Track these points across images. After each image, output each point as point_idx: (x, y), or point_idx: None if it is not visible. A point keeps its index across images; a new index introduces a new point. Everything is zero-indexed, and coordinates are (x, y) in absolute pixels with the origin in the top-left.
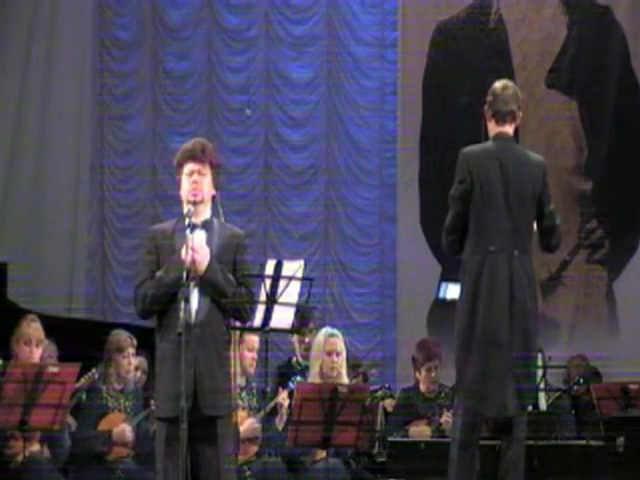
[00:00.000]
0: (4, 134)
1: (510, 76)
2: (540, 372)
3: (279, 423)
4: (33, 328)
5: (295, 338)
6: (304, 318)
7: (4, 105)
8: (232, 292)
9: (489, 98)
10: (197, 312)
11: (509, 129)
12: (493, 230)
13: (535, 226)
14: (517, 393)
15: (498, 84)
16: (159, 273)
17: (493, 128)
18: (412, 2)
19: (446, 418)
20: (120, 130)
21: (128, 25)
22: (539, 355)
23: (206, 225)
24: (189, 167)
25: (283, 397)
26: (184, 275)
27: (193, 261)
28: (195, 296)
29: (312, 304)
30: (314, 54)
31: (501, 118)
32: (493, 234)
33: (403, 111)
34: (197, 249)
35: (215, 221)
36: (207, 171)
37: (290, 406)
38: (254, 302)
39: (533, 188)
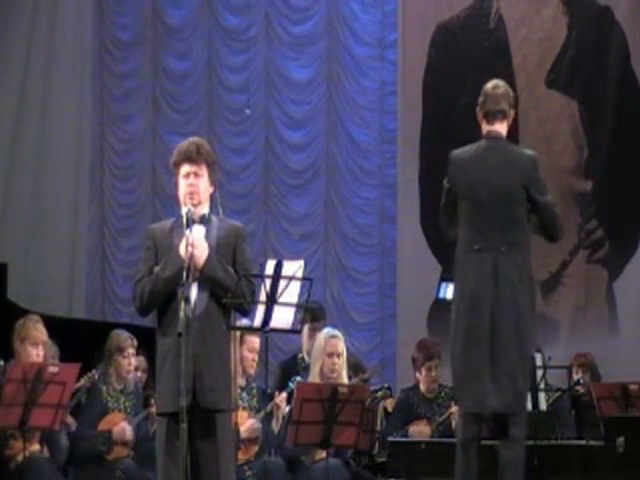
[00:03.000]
0: (4, 134)
1: (510, 76)
2: (540, 372)
3: (275, 425)
4: (39, 331)
5: (305, 334)
6: (317, 315)
7: (4, 105)
8: (233, 285)
9: (481, 99)
10: (195, 306)
11: (500, 127)
12: (480, 229)
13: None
14: (504, 390)
15: (489, 84)
16: (156, 269)
17: (485, 128)
18: (412, 2)
19: (452, 410)
20: (120, 130)
21: (128, 25)
22: (538, 355)
23: (204, 220)
24: (185, 169)
25: (280, 399)
26: (184, 274)
27: (191, 256)
28: (194, 291)
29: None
30: (314, 54)
31: (492, 117)
32: (480, 233)
33: (403, 111)
34: (195, 244)
35: (213, 216)
36: (204, 171)
37: (289, 407)
38: (255, 302)
39: (520, 183)
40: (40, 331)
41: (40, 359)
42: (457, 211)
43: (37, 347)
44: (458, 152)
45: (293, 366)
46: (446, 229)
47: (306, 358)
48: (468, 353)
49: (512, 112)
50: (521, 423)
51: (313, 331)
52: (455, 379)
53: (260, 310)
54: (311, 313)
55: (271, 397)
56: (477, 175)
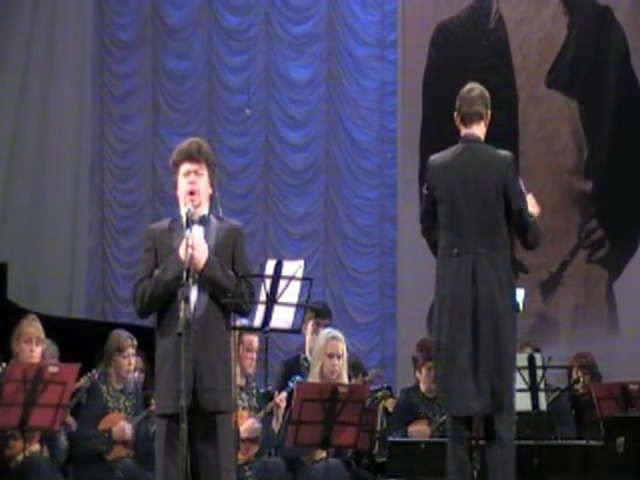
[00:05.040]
0: (4, 134)
1: (510, 76)
2: (540, 372)
3: (275, 425)
4: (34, 327)
5: (308, 331)
6: (322, 313)
7: (4, 105)
8: (233, 287)
9: (457, 103)
10: (195, 309)
11: (477, 130)
12: (457, 233)
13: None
14: (483, 391)
15: (464, 88)
16: (157, 272)
17: (462, 131)
18: (412, 2)
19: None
20: (120, 130)
21: (128, 25)
22: (538, 355)
23: (203, 221)
24: (186, 167)
25: (280, 399)
26: (184, 275)
27: (191, 258)
28: (194, 293)
29: (312, 304)
30: (314, 54)
31: (468, 120)
32: (457, 237)
33: (403, 111)
34: (195, 246)
35: (212, 217)
36: (204, 171)
37: (289, 407)
38: (254, 302)
39: (496, 185)
40: (34, 327)
41: (35, 354)
42: (437, 218)
43: (30, 343)
44: (435, 157)
45: (296, 366)
46: (427, 237)
47: (309, 358)
48: (451, 355)
49: (489, 113)
50: (507, 422)
51: (317, 327)
52: (439, 382)
53: (260, 310)
54: (316, 311)
55: (271, 397)
56: (453, 178)
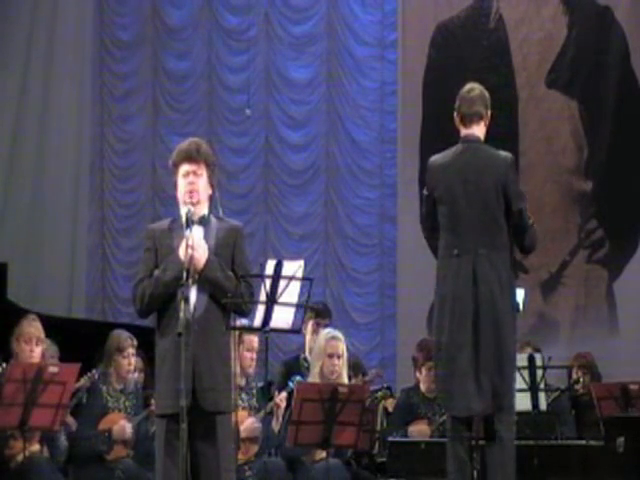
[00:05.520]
0: (4, 134)
1: (510, 76)
2: (540, 372)
3: (275, 425)
4: (33, 327)
5: (308, 331)
6: (322, 313)
7: (4, 105)
8: (233, 288)
9: (456, 103)
10: (195, 309)
11: (477, 130)
12: (457, 234)
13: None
14: (484, 391)
15: (464, 88)
16: (157, 272)
17: (462, 131)
18: (412, 2)
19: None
20: (120, 130)
21: (128, 25)
22: (538, 355)
23: (203, 221)
24: (185, 168)
25: (280, 399)
26: (184, 275)
27: (191, 258)
28: (193, 293)
29: (312, 304)
30: (314, 54)
31: (468, 120)
32: (457, 238)
33: (403, 111)
34: (195, 246)
35: (212, 217)
36: (203, 171)
37: (289, 407)
38: (254, 302)
39: (496, 186)
40: (34, 327)
41: (35, 355)
42: (437, 219)
43: (31, 343)
44: (435, 158)
45: (296, 366)
46: (429, 240)
47: (309, 358)
48: (452, 356)
49: (489, 113)
50: (507, 422)
51: (317, 327)
52: (440, 383)
53: (260, 310)
54: (316, 311)
55: (271, 397)
56: (453, 179)
